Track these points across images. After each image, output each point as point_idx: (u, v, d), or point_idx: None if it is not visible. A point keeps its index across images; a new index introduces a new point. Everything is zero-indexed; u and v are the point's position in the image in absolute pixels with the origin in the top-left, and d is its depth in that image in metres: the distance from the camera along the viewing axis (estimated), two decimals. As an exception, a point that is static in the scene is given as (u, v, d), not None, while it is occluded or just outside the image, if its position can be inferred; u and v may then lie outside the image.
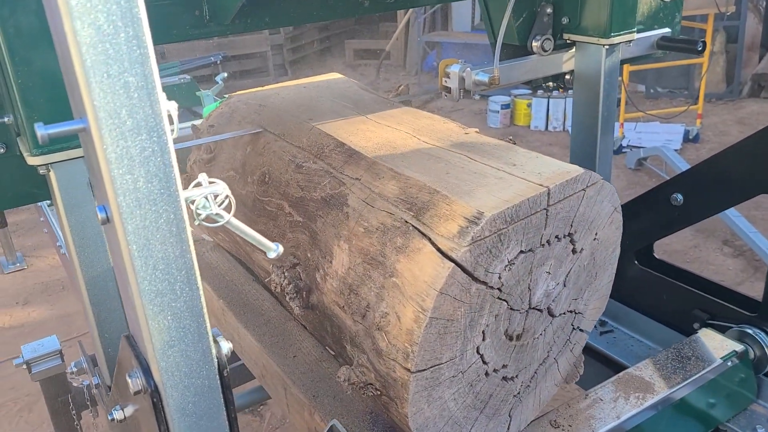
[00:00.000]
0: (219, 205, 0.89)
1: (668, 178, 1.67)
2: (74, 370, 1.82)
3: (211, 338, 0.86)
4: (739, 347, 1.54)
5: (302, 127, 1.50)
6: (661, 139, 6.03)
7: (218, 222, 0.91)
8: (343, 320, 1.21)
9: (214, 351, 0.87)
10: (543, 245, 1.14)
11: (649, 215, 1.58)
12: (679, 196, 1.60)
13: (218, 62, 5.05)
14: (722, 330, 1.61)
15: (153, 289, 0.78)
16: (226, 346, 0.89)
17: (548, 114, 6.84)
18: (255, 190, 1.52)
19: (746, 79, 7.40)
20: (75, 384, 2.10)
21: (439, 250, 1.03)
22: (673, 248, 4.17)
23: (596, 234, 1.25)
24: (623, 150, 5.94)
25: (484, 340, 1.12)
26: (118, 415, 1.10)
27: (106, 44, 0.69)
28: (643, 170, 5.53)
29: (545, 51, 1.71)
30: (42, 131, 0.77)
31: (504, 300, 1.12)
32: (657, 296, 1.79)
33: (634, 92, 7.52)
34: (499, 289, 1.09)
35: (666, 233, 1.65)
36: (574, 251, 1.22)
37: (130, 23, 0.70)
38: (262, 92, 1.79)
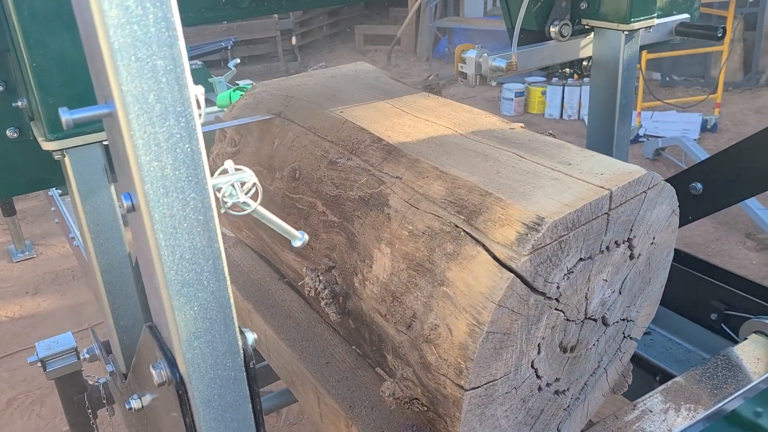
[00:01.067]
0: (246, 194, 0.86)
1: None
2: (87, 356, 1.76)
3: (237, 329, 0.84)
4: (792, 355, 1.46)
5: (334, 120, 1.42)
6: (679, 128, 5.92)
7: (245, 210, 0.87)
8: (384, 329, 1.14)
9: (240, 342, 0.85)
10: (602, 252, 1.06)
11: None
12: (699, 185, 1.56)
13: (229, 47, 4.95)
14: (741, 321, 1.56)
15: (179, 279, 0.76)
16: (251, 338, 0.87)
17: (563, 102, 6.72)
18: (284, 187, 1.44)
19: (764, 67, 7.26)
20: (91, 382, 2.03)
21: (495, 258, 0.95)
22: (695, 241, 4.08)
23: (654, 238, 1.17)
24: (640, 139, 5.83)
25: (539, 353, 1.04)
26: (135, 404, 1.08)
27: (134, 26, 0.66)
28: (661, 160, 5.43)
29: (563, 37, 1.67)
30: (67, 116, 0.74)
31: (561, 311, 1.04)
32: (674, 286, 1.73)
33: (649, 80, 7.39)
34: (556, 299, 1.01)
35: (685, 222, 1.59)
36: (631, 257, 1.14)
37: (159, 4, 0.66)
38: (288, 82, 1.71)
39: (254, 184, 0.86)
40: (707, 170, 1.57)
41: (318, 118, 1.46)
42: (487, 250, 0.97)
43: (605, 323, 1.17)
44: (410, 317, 1.06)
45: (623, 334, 1.25)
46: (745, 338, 1.54)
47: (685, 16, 1.77)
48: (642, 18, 1.61)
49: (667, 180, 1.65)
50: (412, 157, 1.20)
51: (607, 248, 1.07)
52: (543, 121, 6.80)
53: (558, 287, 1.00)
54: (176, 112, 0.70)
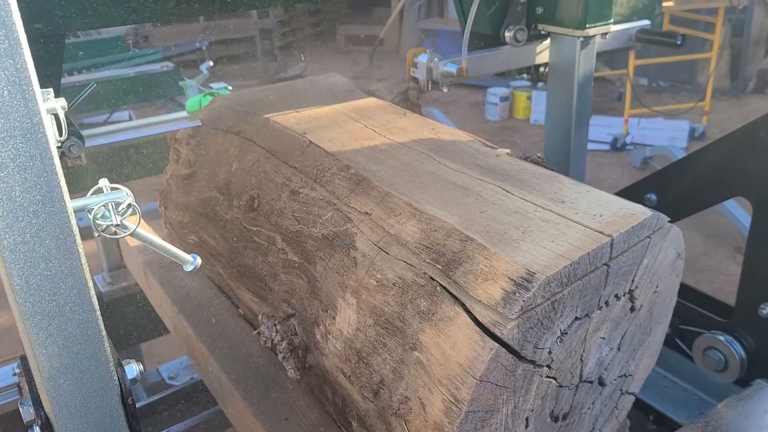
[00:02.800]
0: (122, 215, 0.78)
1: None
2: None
3: (112, 363, 0.79)
4: (803, 404, 1.33)
5: (297, 142, 1.26)
6: (666, 136, 5.82)
7: (122, 234, 0.80)
8: (349, 393, 0.98)
9: (116, 377, 0.80)
10: (600, 308, 0.91)
11: None
12: (653, 197, 1.51)
13: (203, 48, 4.76)
14: (695, 336, 1.51)
15: (38, 311, 0.72)
16: (134, 370, 0.83)
17: (548, 107, 6.60)
18: (242, 217, 1.28)
19: (752, 74, 7.20)
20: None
21: (477, 322, 0.80)
22: (683, 254, 3.96)
23: (657, 286, 1.02)
24: (627, 147, 5.72)
25: (527, 427, 0.89)
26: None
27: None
28: (648, 170, 5.32)
29: (518, 42, 1.62)
30: None
31: (553, 377, 0.89)
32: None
33: (636, 86, 7.30)
34: (548, 366, 0.87)
35: None
36: (632, 309, 1.00)
37: (-6, 8, 0.59)
38: (251, 96, 1.55)
39: (130, 204, 0.79)
40: (661, 181, 1.51)
41: (280, 140, 1.30)
42: (468, 311, 0.81)
43: (602, 383, 1.02)
44: (378, 383, 0.90)
45: (620, 390, 1.11)
46: (750, 385, 1.41)
47: (646, 22, 1.71)
48: (597, 24, 1.56)
49: (622, 191, 1.56)
50: (382, 189, 1.04)
51: (606, 303, 0.92)
52: (528, 126, 6.69)
53: (550, 352, 0.85)
54: (23, 128, 0.65)
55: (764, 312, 1.39)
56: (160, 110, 4.64)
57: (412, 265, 0.91)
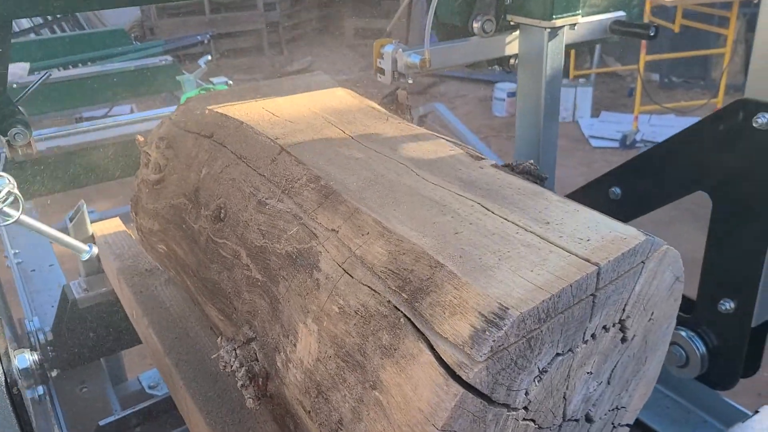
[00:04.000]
0: (3, 202, 0.77)
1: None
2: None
3: None
4: (812, 436, 1.23)
5: (269, 148, 1.18)
6: (677, 133, 5.68)
7: (6, 221, 0.79)
8: (308, 428, 0.90)
9: (1, 367, 0.77)
10: (586, 341, 0.82)
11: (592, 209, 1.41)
12: (618, 190, 1.47)
13: (206, 41, 4.68)
14: None
15: None
16: (27, 360, 0.85)
17: (557, 103, 6.48)
18: (209, 227, 1.19)
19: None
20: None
21: (442, 362, 0.71)
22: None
23: (652, 313, 0.93)
24: (636, 144, 5.59)
25: (501, 475, 0.80)
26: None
27: None
28: (657, 168, 5.19)
29: (486, 32, 1.58)
30: None
31: (531, 420, 0.80)
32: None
33: (647, 81, 7.16)
34: (525, 408, 0.78)
35: None
36: (623, 340, 0.90)
37: None
38: (224, 96, 1.46)
39: (10, 191, 0.76)
40: (625, 174, 1.46)
41: (252, 145, 1.21)
42: (432, 348, 0.73)
43: (589, 420, 0.93)
44: (336, 422, 0.82)
45: (612, 424, 1.02)
46: (757, 411, 1.31)
47: (620, 13, 1.68)
48: (565, 15, 1.52)
49: (588, 184, 1.49)
50: (352, 204, 0.96)
51: (593, 336, 0.83)
52: (536, 122, 6.55)
53: (527, 393, 0.76)
54: None
55: (723, 307, 1.34)
56: (160, 105, 4.57)
57: (376, 292, 0.82)
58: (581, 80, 6.78)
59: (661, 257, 0.88)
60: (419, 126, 1.30)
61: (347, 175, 1.04)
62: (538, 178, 1.38)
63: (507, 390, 0.73)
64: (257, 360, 0.99)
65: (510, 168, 1.34)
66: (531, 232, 0.85)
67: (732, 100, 1.22)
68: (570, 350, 0.80)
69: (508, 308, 0.71)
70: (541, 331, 0.74)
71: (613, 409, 0.99)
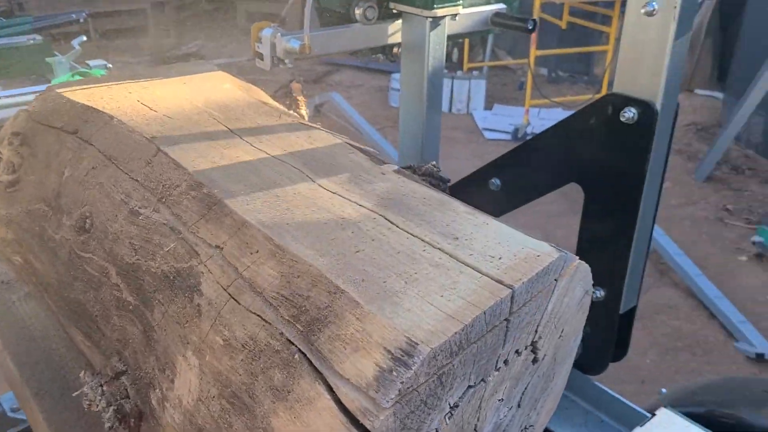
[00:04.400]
0: None
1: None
2: None
3: None
4: (706, 437, 1.25)
5: (144, 148, 1.03)
6: (564, 127, 5.88)
7: None
8: (189, 478, 0.78)
9: None
10: (499, 369, 0.76)
11: (471, 200, 1.41)
12: (497, 181, 1.47)
13: (82, 20, 4.29)
14: None
15: None
16: None
17: (452, 95, 6.54)
18: (72, 239, 1.03)
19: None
20: None
21: (343, 408, 0.62)
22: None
23: (563, 330, 0.88)
24: (527, 137, 5.74)
25: None
26: None
27: None
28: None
29: (368, 20, 1.56)
30: None
31: (441, 458, 0.72)
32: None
33: (536, 75, 7.38)
34: (434, 448, 0.70)
35: None
36: (534, 361, 0.85)
37: None
38: (93, 85, 1.29)
39: None
40: (504, 166, 1.47)
41: (124, 144, 1.06)
42: (332, 391, 0.63)
43: (499, 446, 0.87)
44: (221, 474, 0.71)
45: (520, 445, 0.97)
46: (654, 414, 1.32)
47: (501, 6, 1.67)
48: (446, 5, 1.49)
49: (470, 175, 1.49)
50: (239, 217, 0.84)
51: (506, 362, 0.77)
52: (431, 113, 6.59)
53: (437, 431, 0.69)
54: None
55: (595, 296, 1.34)
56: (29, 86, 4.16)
57: (267, 322, 0.72)
58: (475, 73, 6.88)
59: (573, 273, 0.83)
60: (315, 116, 1.20)
61: (234, 181, 0.93)
62: (441, 180, 1.32)
63: (416, 433, 0.65)
64: (128, 397, 0.85)
65: (412, 170, 1.27)
66: (439, 249, 0.77)
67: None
68: (482, 380, 0.73)
69: (417, 343, 0.62)
70: (453, 365, 0.66)
71: (522, 430, 0.94)
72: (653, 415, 1.30)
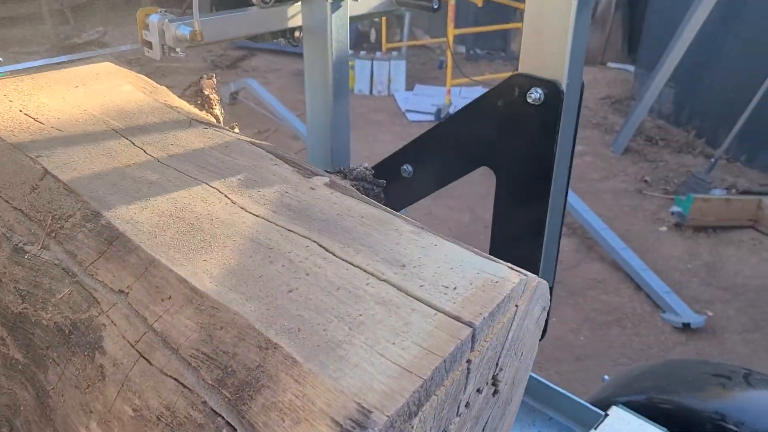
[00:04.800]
0: None
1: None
2: None
3: None
4: (659, 434, 1.22)
5: (28, 169, 0.88)
6: (485, 105, 5.89)
7: None
8: None
9: None
10: (460, 414, 0.67)
11: (385, 187, 1.38)
12: (409, 168, 1.43)
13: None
14: None
15: None
16: None
17: (372, 77, 6.43)
18: (-55, 283, 0.87)
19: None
20: None
21: (285, 498, 0.51)
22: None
23: (522, 354, 0.80)
24: (449, 117, 5.71)
25: None
26: None
27: None
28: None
29: (266, 3, 1.46)
30: None
31: None
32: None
33: (455, 54, 7.36)
34: None
35: (402, 206, 1.50)
36: (495, 393, 0.76)
37: None
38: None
39: None
40: (416, 151, 1.42)
41: (3, 166, 0.90)
42: (271, 475, 0.52)
43: (460, 488, 0.79)
44: None
45: (480, 476, 0.89)
46: (607, 414, 1.27)
47: None
48: None
49: (382, 161, 1.44)
50: (146, 254, 0.71)
51: (467, 405, 0.68)
52: (353, 98, 6.47)
53: (396, 501, 0.59)
54: None
55: None
56: None
57: (186, 387, 0.60)
58: (394, 53, 6.78)
59: (532, 294, 0.74)
60: (231, 104, 1.06)
61: (139, 208, 0.79)
62: (375, 184, 1.21)
63: None
64: (23, 477, 0.72)
65: (342, 175, 1.16)
66: (385, 281, 0.67)
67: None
68: (444, 430, 0.64)
69: (371, 411, 0.52)
70: (412, 426, 0.56)
71: (481, 462, 0.86)
72: (606, 414, 1.26)
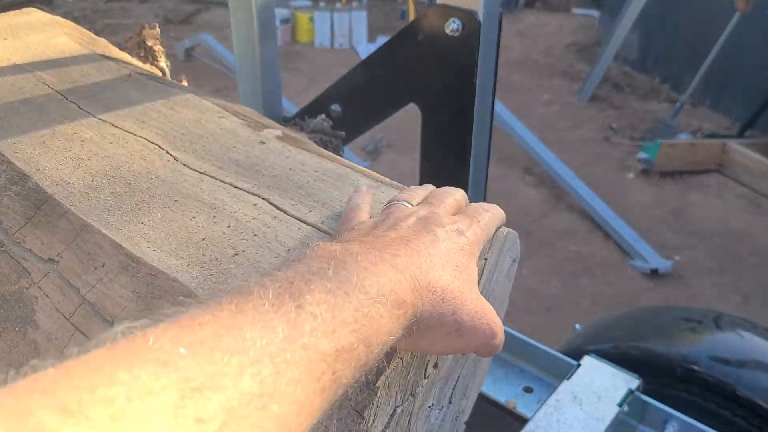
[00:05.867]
0: None
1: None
2: None
3: None
4: (634, 383, 1.20)
5: (-53, 131, 0.79)
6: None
7: None
8: None
9: None
10: (428, 376, 0.62)
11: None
12: (338, 107, 1.38)
13: None
14: None
15: None
16: None
17: (333, 30, 6.26)
18: None
19: (522, -10, 7.42)
20: None
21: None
22: (477, 180, 3.96)
23: (493, 306, 0.76)
24: (414, 69, 5.61)
25: None
26: None
27: None
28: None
29: None
30: None
31: (368, 497, 0.59)
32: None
33: (417, 3, 7.20)
34: (360, 491, 0.56)
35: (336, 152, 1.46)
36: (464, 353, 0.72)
37: None
38: None
39: None
40: (342, 91, 1.37)
41: None
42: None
43: (432, 450, 0.76)
44: None
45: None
46: (579, 364, 1.25)
47: None
48: None
49: (311, 102, 1.37)
50: (77, 218, 0.64)
51: (435, 365, 0.63)
52: (313, 51, 6.30)
53: (361, 472, 0.55)
54: None
55: None
56: None
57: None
58: (354, 4, 6.60)
59: (501, 245, 0.70)
60: (187, 60, 0.98)
61: (70, 168, 0.72)
62: (333, 136, 1.15)
63: (336, 487, 0.51)
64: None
65: (299, 128, 1.09)
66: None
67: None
68: (411, 395, 0.60)
69: (327, 381, 0.47)
70: (375, 392, 0.52)
71: (454, 420, 0.83)
72: (578, 365, 1.24)
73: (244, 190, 0.68)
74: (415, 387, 0.60)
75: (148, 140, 0.78)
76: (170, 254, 0.59)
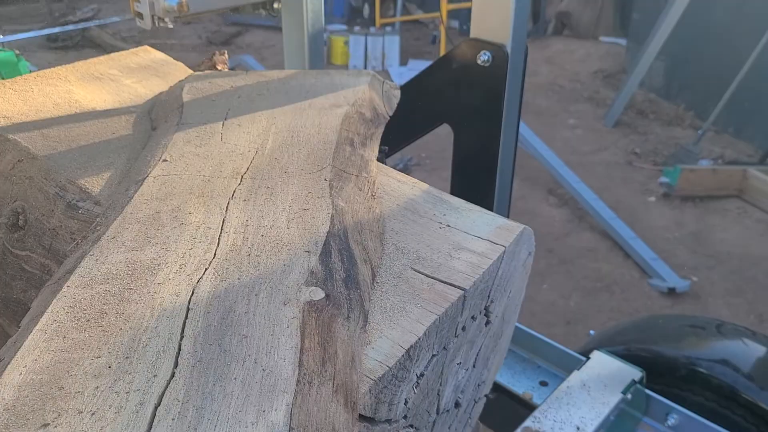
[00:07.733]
0: None
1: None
2: None
3: None
4: (637, 374, 1.35)
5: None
6: (479, 80, 5.98)
7: None
8: None
9: None
10: (457, 335, 0.79)
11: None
12: None
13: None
14: None
15: None
16: None
17: (366, 53, 6.51)
18: (4, 237, 0.99)
19: (551, 17, 7.61)
20: None
21: (319, 391, 0.64)
22: (502, 199, 4.12)
23: (510, 291, 0.93)
24: (444, 92, 5.81)
25: (382, 488, 0.76)
26: None
27: None
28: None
29: None
30: None
31: (410, 425, 0.76)
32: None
33: (448, 28, 7.42)
34: (404, 417, 0.73)
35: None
36: (487, 323, 0.89)
37: None
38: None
39: None
40: None
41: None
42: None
43: (457, 406, 0.92)
44: None
45: (474, 401, 1.02)
46: (589, 357, 1.41)
47: None
48: None
49: None
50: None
51: (463, 328, 0.81)
52: (347, 72, 6.54)
53: (407, 402, 0.72)
54: None
55: None
56: None
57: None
58: (388, 29, 6.85)
59: (518, 238, 0.87)
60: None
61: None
62: (378, 150, 1.33)
63: (389, 406, 0.68)
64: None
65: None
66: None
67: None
68: (444, 348, 0.77)
69: (386, 322, 0.65)
70: (419, 340, 0.69)
71: (476, 388, 0.99)
72: (588, 358, 1.39)
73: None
74: (447, 343, 0.77)
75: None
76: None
